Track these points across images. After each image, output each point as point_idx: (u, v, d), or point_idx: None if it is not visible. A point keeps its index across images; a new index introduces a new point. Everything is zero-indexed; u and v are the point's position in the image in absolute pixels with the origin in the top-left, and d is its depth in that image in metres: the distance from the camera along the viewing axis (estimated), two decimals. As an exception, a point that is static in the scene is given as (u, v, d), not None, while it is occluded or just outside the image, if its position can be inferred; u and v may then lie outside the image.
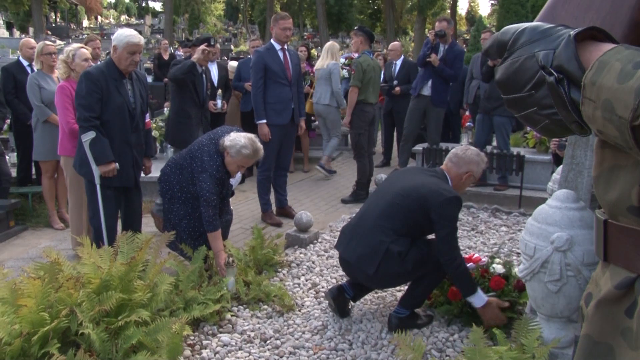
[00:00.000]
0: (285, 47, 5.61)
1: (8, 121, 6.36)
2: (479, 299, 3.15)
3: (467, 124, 8.24)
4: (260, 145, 3.99)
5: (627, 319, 1.02)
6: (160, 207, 4.19)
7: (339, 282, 3.73)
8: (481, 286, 3.32)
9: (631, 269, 1.01)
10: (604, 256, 1.08)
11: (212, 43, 5.94)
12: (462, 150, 3.47)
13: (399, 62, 8.45)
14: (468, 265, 3.52)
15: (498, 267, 3.53)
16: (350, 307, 3.58)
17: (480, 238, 5.15)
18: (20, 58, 6.22)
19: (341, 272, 4.04)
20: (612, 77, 0.83)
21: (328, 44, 8.06)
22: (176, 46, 22.43)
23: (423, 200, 3.21)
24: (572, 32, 0.93)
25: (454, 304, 3.38)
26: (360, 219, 3.46)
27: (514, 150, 6.38)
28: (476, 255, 3.71)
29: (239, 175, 4.25)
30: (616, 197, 1.02)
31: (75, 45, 4.84)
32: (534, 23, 1.03)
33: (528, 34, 0.99)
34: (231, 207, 4.48)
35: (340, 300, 3.50)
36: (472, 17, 53.55)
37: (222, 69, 7.50)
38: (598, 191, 1.08)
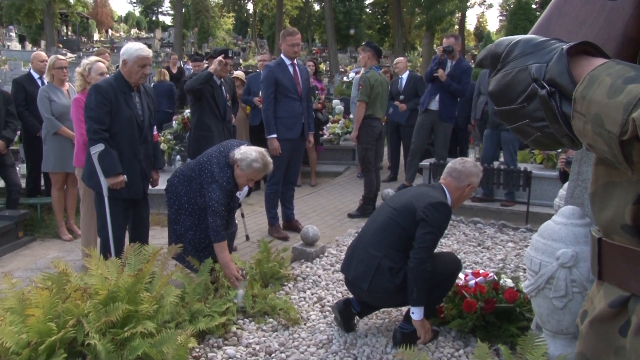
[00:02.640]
0: (295, 62, 5.65)
1: (18, 133, 6.42)
2: (421, 312, 3.20)
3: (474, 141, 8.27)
4: (270, 160, 4.03)
5: (621, 337, 1.00)
6: None
7: (346, 296, 3.73)
8: (494, 299, 3.32)
9: (625, 288, 1.00)
10: (598, 274, 1.07)
11: (230, 55, 5.88)
12: (460, 164, 3.47)
13: (404, 77, 8.43)
14: (477, 279, 3.53)
15: (508, 282, 3.54)
16: (355, 321, 3.58)
17: (486, 254, 5.13)
18: (31, 71, 6.29)
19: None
20: (602, 92, 0.83)
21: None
22: (185, 60, 22.62)
23: (411, 206, 3.24)
24: (565, 46, 0.93)
25: (468, 317, 3.34)
26: (359, 238, 3.50)
27: (521, 166, 6.38)
28: (482, 270, 3.71)
29: (245, 188, 4.27)
30: (611, 216, 1.01)
31: (93, 58, 4.82)
32: (528, 36, 1.02)
33: (521, 46, 0.99)
34: (236, 221, 4.51)
35: (346, 314, 3.49)
36: (481, 33, 53.81)
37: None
38: (593, 209, 1.07)
